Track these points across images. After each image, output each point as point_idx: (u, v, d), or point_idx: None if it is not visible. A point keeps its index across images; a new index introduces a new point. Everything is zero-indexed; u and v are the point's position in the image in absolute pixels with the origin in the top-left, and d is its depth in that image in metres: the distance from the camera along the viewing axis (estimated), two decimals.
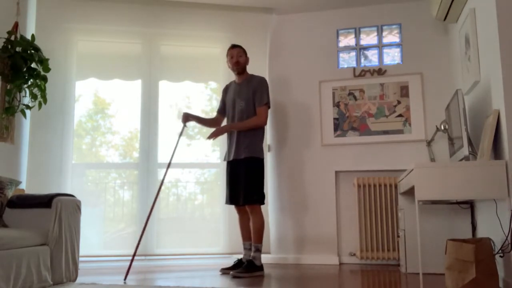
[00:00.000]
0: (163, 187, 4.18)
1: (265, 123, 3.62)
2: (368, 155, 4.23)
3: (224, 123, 3.95)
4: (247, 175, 3.53)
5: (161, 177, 4.16)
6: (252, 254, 3.48)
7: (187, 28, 4.38)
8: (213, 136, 3.61)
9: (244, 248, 3.66)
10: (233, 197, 3.64)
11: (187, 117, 3.79)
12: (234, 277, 3.33)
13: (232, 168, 3.65)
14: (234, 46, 3.77)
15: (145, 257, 4.11)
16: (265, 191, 4.17)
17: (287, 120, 4.47)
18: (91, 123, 4.26)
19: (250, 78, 3.74)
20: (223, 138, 4.23)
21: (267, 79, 4.41)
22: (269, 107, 3.65)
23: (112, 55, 4.29)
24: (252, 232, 3.51)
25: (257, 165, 3.57)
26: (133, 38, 4.32)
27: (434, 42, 4.26)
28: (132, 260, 3.40)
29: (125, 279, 3.20)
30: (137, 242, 3.50)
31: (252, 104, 3.63)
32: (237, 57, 3.72)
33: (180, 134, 3.79)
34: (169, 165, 3.69)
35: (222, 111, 3.90)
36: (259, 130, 3.64)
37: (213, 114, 4.12)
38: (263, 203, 3.56)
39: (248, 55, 4.31)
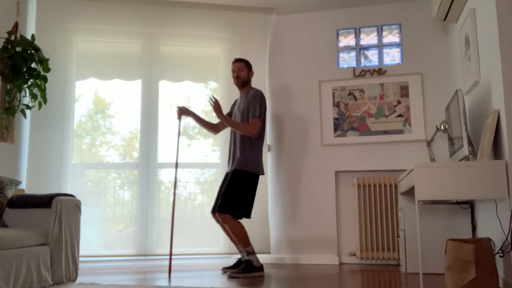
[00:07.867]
0: (163, 187, 4.20)
1: (255, 135, 3.54)
2: (368, 155, 4.23)
3: (223, 131, 3.98)
4: (228, 185, 3.49)
5: (161, 177, 4.19)
6: (246, 258, 3.48)
7: (187, 28, 4.38)
8: (215, 106, 3.55)
9: (239, 251, 3.65)
10: (214, 206, 3.66)
11: (182, 111, 3.78)
12: (230, 277, 3.34)
13: (224, 179, 3.70)
14: (236, 60, 3.73)
15: (145, 257, 4.11)
16: (264, 191, 4.18)
17: (287, 120, 4.46)
18: (91, 123, 4.26)
19: (249, 91, 3.71)
20: (225, 141, 4.23)
21: (266, 79, 4.42)
22: (262, 120, 3.57)
23: (112, 55, 4.29)
24: (235, 239, 3.49)
25: (242, 177, 3.50)
26: (133, 38, 4.32)
27: (434, 42, 4.26)
28: (170, 260, 3.56)
29: (169, 280, 3.22)
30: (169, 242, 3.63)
31: (246, 116, 3.61)
32: (238, 71, 3.70)
33: (179, 131, 3.79)
34: (176, 164, 3.73)
35: None
36: (255, 147, 3.58)
37: (214, 115, 4.10)
38: (237, 216, 3.44)
39: (248, 55, 4.33)
